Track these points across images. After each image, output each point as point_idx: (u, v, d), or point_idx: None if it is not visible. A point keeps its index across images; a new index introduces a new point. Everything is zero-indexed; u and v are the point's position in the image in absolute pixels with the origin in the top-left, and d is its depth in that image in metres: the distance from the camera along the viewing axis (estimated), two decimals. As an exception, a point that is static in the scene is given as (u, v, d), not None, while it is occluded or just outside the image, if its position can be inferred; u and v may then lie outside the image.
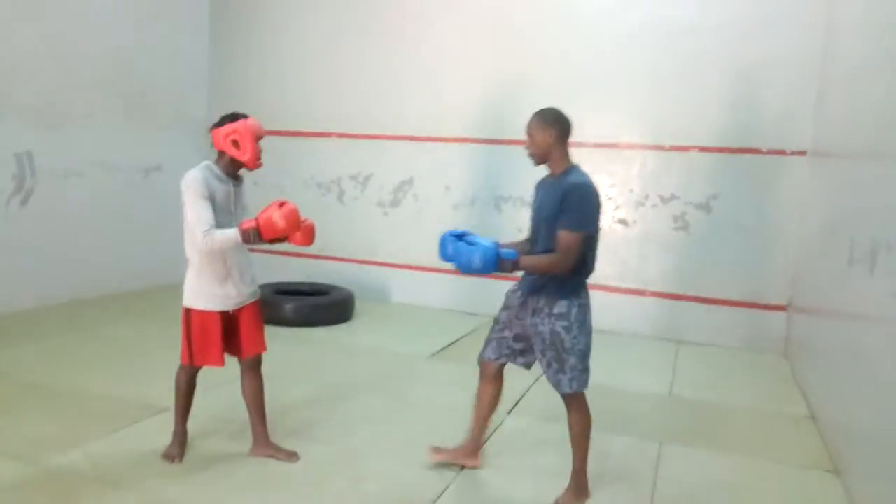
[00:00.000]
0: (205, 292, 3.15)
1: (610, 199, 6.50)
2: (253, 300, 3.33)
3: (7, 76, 5.75)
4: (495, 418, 4.02)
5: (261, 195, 7.93)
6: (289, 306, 6.08)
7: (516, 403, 4.34)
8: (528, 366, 3.24)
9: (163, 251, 7.08)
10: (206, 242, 2.98)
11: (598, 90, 6.46)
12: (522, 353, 3.18)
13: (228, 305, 3.20)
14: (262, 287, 6.68)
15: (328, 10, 7.46)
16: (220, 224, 3.05)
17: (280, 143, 7.67)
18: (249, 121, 3.13)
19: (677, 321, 6.34)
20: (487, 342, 3.25)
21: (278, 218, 2.97)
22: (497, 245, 2.89)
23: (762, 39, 5.97)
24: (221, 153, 3.15)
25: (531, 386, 4.58)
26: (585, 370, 3.03)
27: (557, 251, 2.89)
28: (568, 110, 6.48)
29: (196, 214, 2.99)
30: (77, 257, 6.43)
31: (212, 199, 3.05)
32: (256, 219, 3.01)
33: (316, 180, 7.64)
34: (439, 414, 4.12)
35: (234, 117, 3.14)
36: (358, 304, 6.67)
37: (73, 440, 3.47)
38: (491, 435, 3.83)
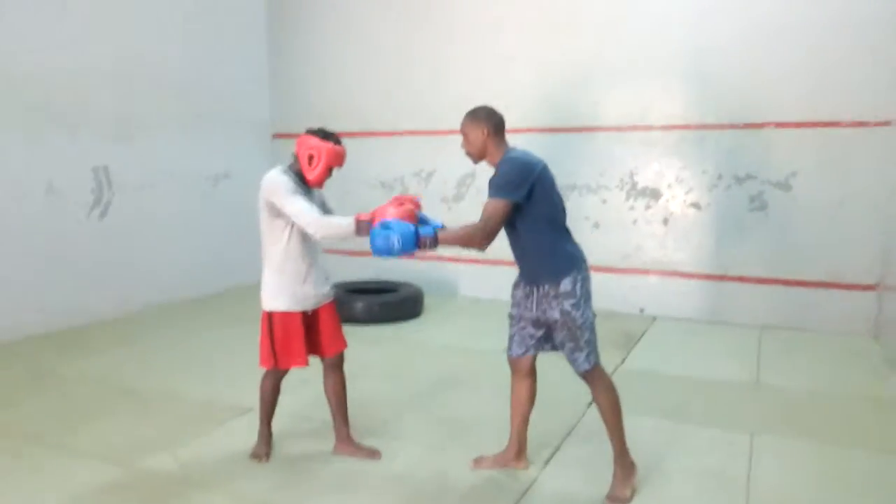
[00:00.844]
0: (286, 293, 3.17)
1: (681, 181, 6.30)
2: (329, 300, 3.34)
3: (81, 93, 5.97)
4: (576, 411, 3.95)
5: (326, 196, 8.08)
6: (359, 304, 6.12)
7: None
8: (555, 348, 3.13)
9: (235, 255, 7.27)
10: (322, 228, 2.99)
11: (665, 70, 6.26)
12: (546, 338, 3.09)
13: (307, 305, 3.23)
14: (334, 287, 6.77)
15: (384, 8, 7.46)
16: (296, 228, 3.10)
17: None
18: (335, 147, 3.13)
19: (758, 305, 6.08)
20: (511, 339, 3.17)
21: (392, 215, 2.97)
22: (416, 224, 2.86)
23: (837, 6, 5.65)
24: (297, 159, 3.17)
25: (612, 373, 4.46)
26: (596, 342, 3.00)
27: (480, 219, 2.85)
28: (633, 93, 6.37)
29: (298, 206, 3.00)
30: (156, 265, 6.65)
31: None
32: (373, 212, 3.00)
33: (380, 179, 7.67)
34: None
35: (325, 136, 3.14)
36: (426, 300, 6.67)
37: (163, 442, 3.57)
38: (574, 427, 3.76)
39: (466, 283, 7.29)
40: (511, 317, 3.17)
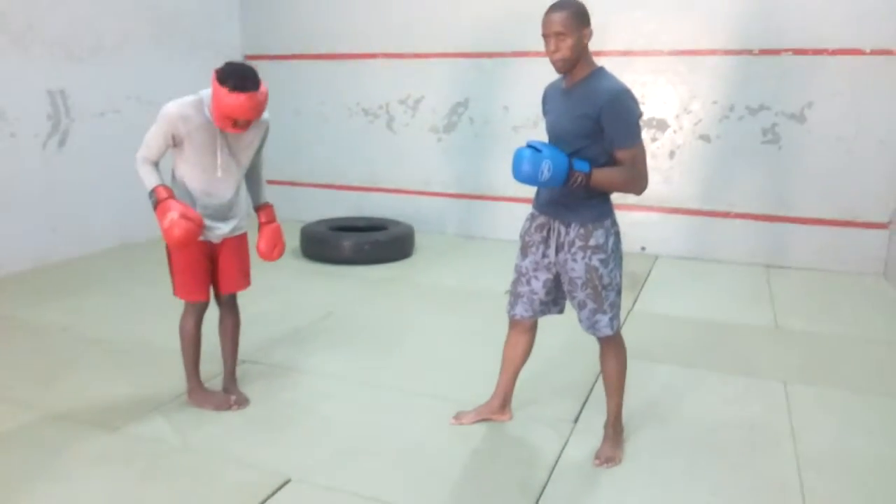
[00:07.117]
0: None
1: (689, 112, 5.93)
2: None
3: (32, 6, 5.27)
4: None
5: (302, 124, 7.53)
6: (347, 244, 5.71)
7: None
8: (561, 311, 2.85)
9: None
10: (138, 169, 3.09)
11: (675, -10, 5.81)
12: (555, 302, 2.80)
13: None
14: (317, 224, 6.30)
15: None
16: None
17: (320, 68, 7.17)
18: (231, 94, 2.70)
19: (766, 244, 5.84)
20: (516, 297, 2.80)
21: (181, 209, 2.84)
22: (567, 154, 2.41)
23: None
24: None
25: (624, 318, 4.19)
26: (620, 307, 2.67)
27: (631, 165, 2.43)
28: (640, 16, 5.88)
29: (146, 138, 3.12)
30: (122, 199, 6.05)
31: None
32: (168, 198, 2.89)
33: (362, 106, 7.13)
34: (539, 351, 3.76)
35: (225, 76, 2.76)
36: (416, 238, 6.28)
37: (149, 402, 3.19)
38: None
39: (455, 219, 6.89)
40: (518, 271, 2.77)
